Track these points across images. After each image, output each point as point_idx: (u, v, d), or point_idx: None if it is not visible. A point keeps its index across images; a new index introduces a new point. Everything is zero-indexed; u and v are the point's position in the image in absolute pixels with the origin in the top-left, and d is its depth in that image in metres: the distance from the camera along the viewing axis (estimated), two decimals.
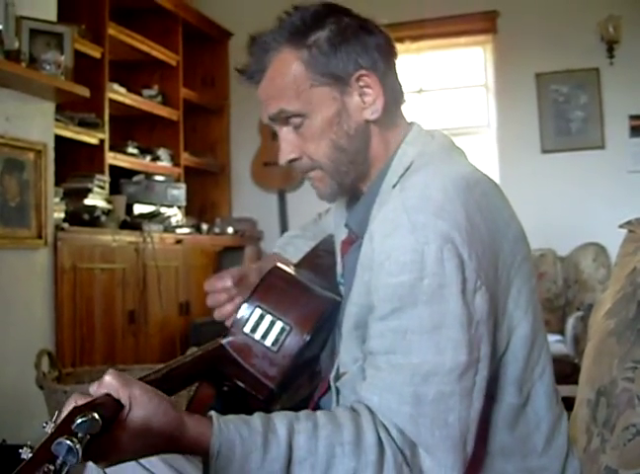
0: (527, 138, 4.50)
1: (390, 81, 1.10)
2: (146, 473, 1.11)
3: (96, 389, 0.83)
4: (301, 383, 1.27)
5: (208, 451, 0.84)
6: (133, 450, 0.82)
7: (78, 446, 0.68)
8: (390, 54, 1.11)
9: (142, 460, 1.12)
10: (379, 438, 0.89)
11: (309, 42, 1.05)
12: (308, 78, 1.05)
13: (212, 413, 0.88)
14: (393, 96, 1.10)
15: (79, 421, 0.71)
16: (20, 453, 0.71)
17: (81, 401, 0.79)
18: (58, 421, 0.74)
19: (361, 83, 1.06)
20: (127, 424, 0.80)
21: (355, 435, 0.88)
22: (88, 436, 0.71)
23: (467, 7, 4.56)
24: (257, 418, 0.89)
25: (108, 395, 0.81)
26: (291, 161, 1.11)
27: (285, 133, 1.09)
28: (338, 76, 1.05)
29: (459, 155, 1.12)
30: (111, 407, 0.79)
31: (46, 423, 0.74)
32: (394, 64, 1.12)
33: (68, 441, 0.68)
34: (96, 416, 0.73)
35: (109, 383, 0.82)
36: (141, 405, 0.81)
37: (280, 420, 0.89)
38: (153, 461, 1.12)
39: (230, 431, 0.86)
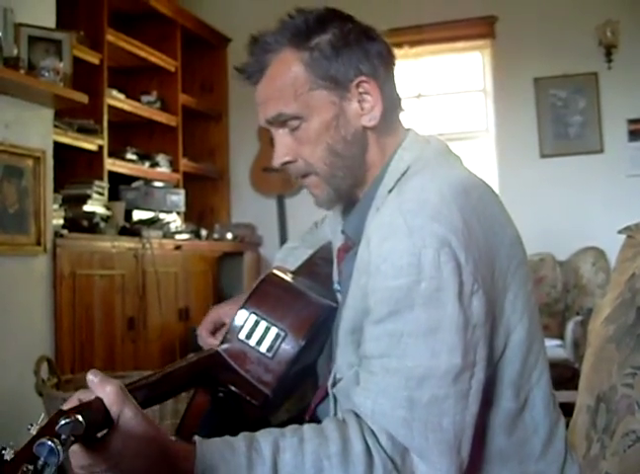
0: (526, 143, 4.51)
1: (389, 89, 1.10)
2: None
3: (97, 386, 0.82)
4: (306, 389, 1.27)
5: None
6: (113, 468, 0.80)
7: (60, 447, 0.68)
8: (390, 63, 1.11)
9: None
10: (367, 448, 0.89)
11: (311, 45, 1.05)
12: (308, 80, 1.05)
13: (196, 438, 0.88)
14: (391, 103, 1.10)
15: (62, 422, 0.71)
16: (2, 454, 0.71)
17: (84, 396, 0.81)
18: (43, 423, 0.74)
19: (361, 89, 1.06)
20: (112, 438, 0.80)
21: (341, 447, 0.88)
22: (72, 438, 0.71)
23: (465, 12, 4.57)
24: (241, 439, 0.88)
25: (101, 400, 0.81)
26: (286, 163, 1.10)
27: (282, 136, 1.09)
28: (338, 81, 1.05)
29: (455, 160, 1.12)
30: (99, 413, 0.79)
31: (31, 425, 0.74)
32: (393, 73, 1.12)
33: (50, 442, 0.68)
34: (80, 418, 0.72)
35: (108, 393, 0.81)
36: (127, 427, 0.80)
37: (265, 438, 0.89)
38: None
39: (213, 455, 0.85)
